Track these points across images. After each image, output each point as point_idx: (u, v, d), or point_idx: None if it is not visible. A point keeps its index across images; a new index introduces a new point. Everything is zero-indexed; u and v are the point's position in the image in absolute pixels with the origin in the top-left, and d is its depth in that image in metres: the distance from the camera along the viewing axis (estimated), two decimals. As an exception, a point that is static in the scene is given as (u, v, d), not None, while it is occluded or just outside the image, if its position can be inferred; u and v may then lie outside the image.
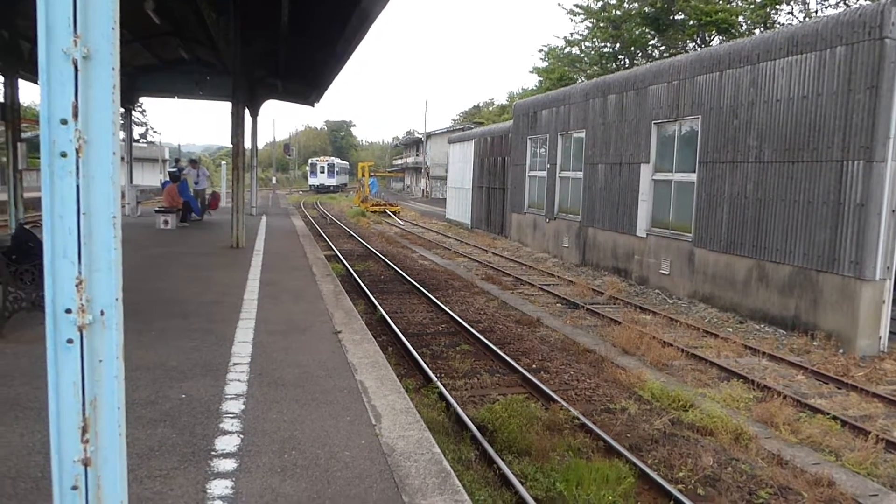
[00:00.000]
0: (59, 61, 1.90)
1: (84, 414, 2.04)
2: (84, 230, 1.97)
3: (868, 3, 11.87)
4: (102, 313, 2.01)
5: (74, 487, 2.06)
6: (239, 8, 12.93)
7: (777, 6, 33.40)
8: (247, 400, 4.91)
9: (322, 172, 78.06)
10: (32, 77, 15.70)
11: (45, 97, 1.91)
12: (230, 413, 4.63)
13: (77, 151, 1.94)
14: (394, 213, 42.46)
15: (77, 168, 1.94)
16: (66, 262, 1.98)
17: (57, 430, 2.05)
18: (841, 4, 32.32)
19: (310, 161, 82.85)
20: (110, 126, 1.97)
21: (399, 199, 60.38)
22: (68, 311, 1.98)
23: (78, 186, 1.95)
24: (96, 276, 2.00)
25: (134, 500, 3.20)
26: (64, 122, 1.92)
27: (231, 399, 4.91)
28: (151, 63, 18.94)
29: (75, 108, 1.92)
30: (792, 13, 35.14)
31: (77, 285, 1.98)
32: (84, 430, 2.05)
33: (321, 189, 76.30)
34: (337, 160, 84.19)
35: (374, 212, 42.34)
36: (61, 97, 1.91)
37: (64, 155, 1.93)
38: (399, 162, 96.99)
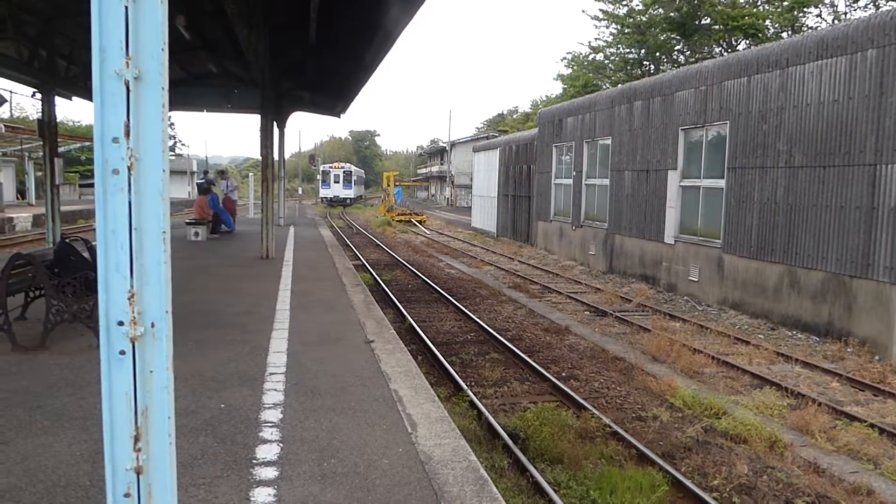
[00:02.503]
0: (112, 82, 1.95)
1: (136, 423, 2.09)
2: (136, 245, 2.01)
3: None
4: (153, 325, 2.05)
5: (127, 495, 2.10)
6: (268, 22, 13.12)
7: (805, 9, 33.05)
8: (284, 409, 4.99)
9: (337, 182, 63.33)
10: (68, 94, 16.07)
11: (99, 117, 1.96)
12: (269, 422, 4.71)
13: (129, 169, 1.99)
14: (419, 222, 42.59)
15: (129, 185, 1.99)
16: (119, 276, 2.02)
17: (110, 439, 2.09)
18: (870, 6, 31.90)
19: (321, 168, 66.34)
20: (160, 144, 2.03)
21: (424, 208, 60.59)
22: (121, 323, 2.03)
23: (130, 203, 2.00)
24: (147, 290, 2.04)
25: (180, 508, 3.27)
26: (116, 140, 1.97)
27: (269, 408, 5.00)
28: (181, 77, 19.27)
29: (127, 126, 1.97)
30: (820, 16, 34.75)
31: (129, 298, 2.03)
32: (136, 439, 2.09)
33: (335, 202, 62.27)
34: (353, 167, 69.73)
35: (400, 221, 42.50)
36: (114, 116, 1.97)
37: (116, 172, 1.98)
38: (423, 171, 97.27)
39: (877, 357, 10.68)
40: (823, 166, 12.01)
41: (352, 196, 64.39)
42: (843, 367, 10.25)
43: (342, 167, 65.05)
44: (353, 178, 65.18)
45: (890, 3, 30.16)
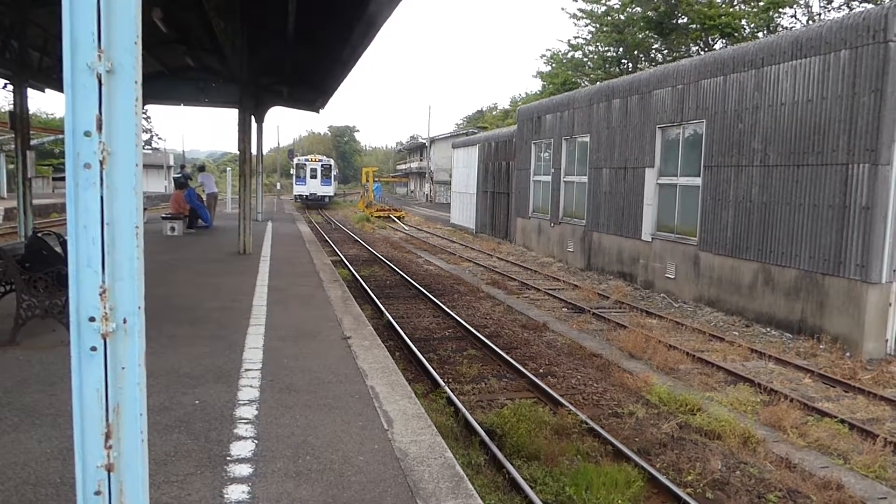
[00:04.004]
0: (84, 75, 1.92)
1: (107, 420, 2.06)
2: (107, 240, 1.98)
3: (872, 6, 11.90)
4: (125, 321, 2.03)
5: (98, 492, 2.08)
6: (246, 15, 13.00)
7: (780, 10, 33.43)
8: (260, 405, 4.96)
9: (314, 177, 53.41)
10: (41, 86, 15.81)
11: (70, 110, 1.93)
12: (244, 419, 4.68)
13: (101, 163, 1.95)
14: (398, 218, 42.52)
15: (101, 179, 1.96)
16: (90, 272, 1.99)
17: (81, 436, 2.06)
18: (844, 8, 32.35)
19: (295, 161, 55.88)
20: (133, 138, 2.00)
21: (403, 204, 60.43)
22: (92, 319, 2.00)
23: (102, 197, 1.96)
24: (119, 285, 2.01)
25: (153, 505, 3.24)
26: (88, 134, 1.94)
27: (244, 405, 4.96)
28: (157, 70, 19.03)
29: (99, 120, 1.94)
30: (795, 17, 35.17)
31: (101, 294, 2.00)
32: (107, 437, 2.07)
33: (312, 200, 52.81)
34: (332, 160, 58.22)
35: (379, 217, 42.40)
36: (85, 110, 1.93)
37: (88, 166, 1.95)
38: (403, 167, 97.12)
39: (848, 354, 10.86)
40: (797, 165, 12.16)
41: (331, 194, 55.16)
42: (815, 364, 10.40)
43: (320, 160, 54.76)
44: (334, 172, 55.95)
45: (863, 4, 30.58)
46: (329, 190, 54.53)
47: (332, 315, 8.48)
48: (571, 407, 7.88)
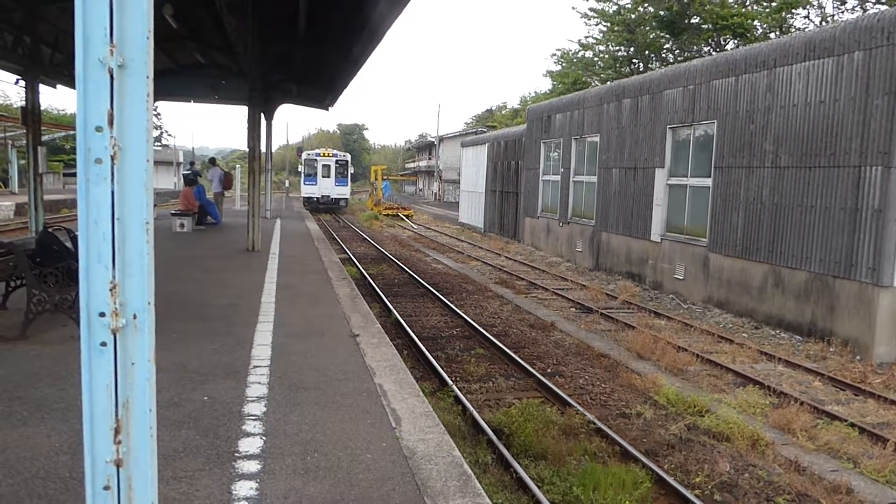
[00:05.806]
0: (96, 70, 1.92)
1: (117, 416, 2.06)
2: (118, 236, 1.98)
3: (886, 7, 11.80)
4: (135, 317, 2.02)
5: (106, 487, 2.07)
6: (256, 13, 13.02)
7: (793, 11, 33.26)
8: (268, 402, 4.97)
9: (326, 176, 44.65)
10: (52, 82, 15.88)
11: (82, 105, 1.93)
12: (252, 415, 4.69)
13: (112, 158, 1.95)
14: (406, 216, 42.49)
15: (112, 174, 1.96)
16: (101, 267, 1.99)
17: (90, 432, 2.06)
18: (857, 9, 32.14)
19: (304, 156, 46.60)
20: (144, 133, 2.00)
21: (411, 203, 60.42)
22: (102, 314, 1.99)
23: (112, 192, 1.96)
24: (129, 281, 2.01)
25: (161, 501, 3.21)
26: (99, 129, 1.93)
27: (252, 401, 4.97)
28: (167, 67, 19.06)
29: (110, 115, 1.93)
30: (808, 18, 34.97)
31: (111, 289, 1.99)
32: (116, 432, 2.06)
33: (324, 203, 44.25)
34: (347, 156, 48.05)
35: (388, 215, 42.39)
36: (97, 105, 1.93)
37: (99, 161, 1.95)
38: (411, 165, 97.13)
39: (858, 357, 10.78)
40: (809, 167, 12.09)
41: (347, 196, 46.48)
42: (825, 367, 10.34)
43: (334, 155, 46.22)
44: (351, 171, 47.38)
45: (877, 5, 30.39)
46: (345, 191, 45.96)
47: (341, 313, 8.49)
48: (579, 407, 7.86)
